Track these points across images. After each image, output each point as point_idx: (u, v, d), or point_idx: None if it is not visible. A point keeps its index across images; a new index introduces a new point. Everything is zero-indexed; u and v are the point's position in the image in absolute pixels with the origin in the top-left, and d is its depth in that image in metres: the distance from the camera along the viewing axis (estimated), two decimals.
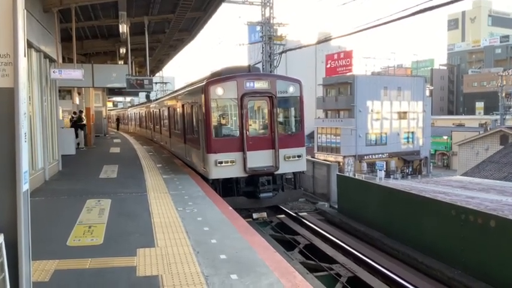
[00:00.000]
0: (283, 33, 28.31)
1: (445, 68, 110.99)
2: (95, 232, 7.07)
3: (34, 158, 11.44)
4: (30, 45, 10.94)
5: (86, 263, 5.66)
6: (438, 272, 9.11)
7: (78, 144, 21.26)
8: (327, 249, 10.76)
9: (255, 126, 12.69)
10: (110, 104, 51.56)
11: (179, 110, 16.63)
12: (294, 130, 13.08)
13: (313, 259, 10.16)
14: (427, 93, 59.67)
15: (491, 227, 8.23)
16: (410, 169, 54.06)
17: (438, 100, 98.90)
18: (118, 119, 51.54)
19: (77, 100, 24.91)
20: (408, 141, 55.03)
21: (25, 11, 3.31)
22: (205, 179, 12.24)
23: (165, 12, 16.26)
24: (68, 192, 10.74)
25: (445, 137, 60.90)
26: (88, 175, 13.59)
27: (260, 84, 12.28)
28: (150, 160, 17.22)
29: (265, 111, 12.53)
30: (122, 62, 21.84)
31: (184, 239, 6.61)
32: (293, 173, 12.98)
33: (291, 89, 12.68)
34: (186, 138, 15.51)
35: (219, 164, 11.74)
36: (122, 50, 20.26)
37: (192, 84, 15.81)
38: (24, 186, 3.31)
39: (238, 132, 12.08)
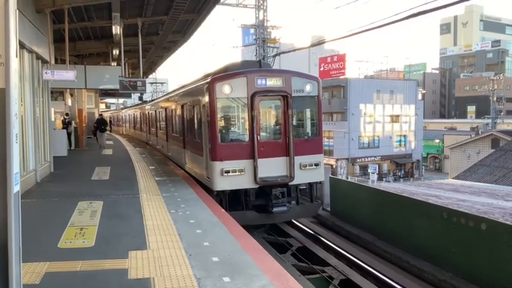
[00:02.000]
0: (276, 36, 28.37)
1: (437, 72, 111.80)
2: (87, 234, 7.03)
3: (25, 160, 11.35)
4: (22, 45, 10.87)
5: (77, 265, 5.62)
6: (429, 274, 9.15)
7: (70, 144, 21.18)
8: (319, 251, 10.78)
9: (266, 130, 11.21)
10: (102, 106, 51.35)
11: (178, 111, 15.34)
12: (310, 135, 11.47)
13: (305, 261, 10.17)
14: (419, 96, 60.03)
15: (482, 229, 8.28)
16: (403, 172, 54.33)
17: (430, 104, 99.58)
18: (110, 122, 51.01)
19: (69, 101, 24.77)
20: (400, 145, 55.33)
21: (17, 11, 3.29)
22: (208, 189, 10.91)
23: (159, 14, 16.24)
24: (59, 194, 10.68)
25: (437, 141, 61.30)
26: (80, 177, 13.52)
27: (273, 82, 10.76)
28: (142, 162, 17.16)
29: (279, 112, 11.03)
30: (115, 64, 21.76)
31: (176, 241, 6.59)
32: (309, 183, 11.42)
33: (308, 88, 11.10)
34: (185, 142, 14.11)
35: (225, 174, 10.22)
36: (115, 52, 20.19)
37: (193, 82, 14.16)
38: (15, 187, 3.28)
39: (247, 136, 10.60)
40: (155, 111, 22.15)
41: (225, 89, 10.38)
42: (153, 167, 15.49)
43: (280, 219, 11.41)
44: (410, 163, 55.27)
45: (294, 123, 10.96)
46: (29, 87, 12.10)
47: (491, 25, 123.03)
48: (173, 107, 16.39)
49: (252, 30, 29.93)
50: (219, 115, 10.57)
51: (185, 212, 8.52)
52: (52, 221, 8.12)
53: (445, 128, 71.82)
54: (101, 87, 21.90)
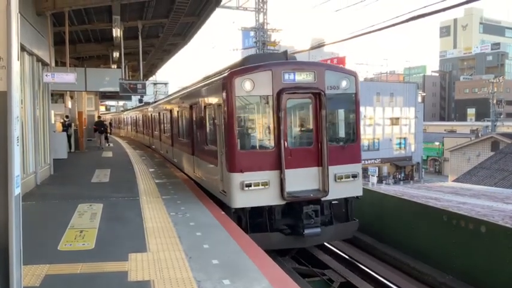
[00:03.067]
0: (276, 39, 28.46)
1: (437, 74, 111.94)
2: (87, 237, 7.03)
3: (25, 162, 11.36)
4: (23, 48, 10.90)
5: (77, 267, 5.62)
6: (430, 277, 9.15)
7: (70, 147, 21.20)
8: (319, 254, 10.77)
9: (295, 135, 9.61)
10: (102, 108, 51.34)
11: (185, 112, 13.63)
12: (347, 140, 9.78)
13: (305, 264, 10.15)
14: (419, 99, 60.17)
15: (482, 232, 8.29)
16: (403, 175, 54.36)
17: (430, 106, 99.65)
18: (110, 124, 50.63)
19: (69, 104, 24.79)
20: (400, 147, 55.38)
21: (19, 14, 3.30)
22: (223, 205, 9.26)
23: (159, 17, 16.28)
24: (59, 197, 10.68)
25: (437, 143, 61.30)
26: (80, 179, 13.51)
27: (303, 77, 9.06)
28: (142, 164, 17.16)
29: (309, 113, 9.42)
30: (115, 66, 21.80)
31: (176, 244, 6.59)
32: (344, 198, 9.54)
33: (344, 84, 9.38)
34: (195, 148, 12.33)
35: (246, 188, 8.54)
36: (115, 54, 20.23)
37: (204, 79, 12.28)
38: (16, 190, 3.29)
39: (272, 142, 8.88)
40: (159, 113, 20.61)
41: (245, 85, 8.68)
42: (153, 170, 15.49)
43: (312, 242, 9.49)
44: (410, 166, 55.31)
45: (328, 126, 9.20)
46: (29, 90, 12.12)
47: (491, 28, 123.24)
48: (180, 108, 14.76)
49: (252, 33, 29.99)
50: (238, 117, 8.86)
51: (185, 214, 8.52)
52: (52, 224, 8.12)
53: (445, 130, 71.84)
54: (101, 89, 21.94)
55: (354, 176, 9.35)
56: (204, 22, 17.08)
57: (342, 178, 9.19)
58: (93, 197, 10.31)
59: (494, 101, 51.28)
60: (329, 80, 9.22)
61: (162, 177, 13.55)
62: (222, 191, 9.40)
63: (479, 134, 48.89)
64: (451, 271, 8.92)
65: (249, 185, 8.58)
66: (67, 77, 13.38)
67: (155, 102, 26.54)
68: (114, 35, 16.25)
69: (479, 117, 78.29)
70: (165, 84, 55.77)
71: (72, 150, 21.81)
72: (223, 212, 8.74)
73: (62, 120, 22.73)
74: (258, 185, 8.62)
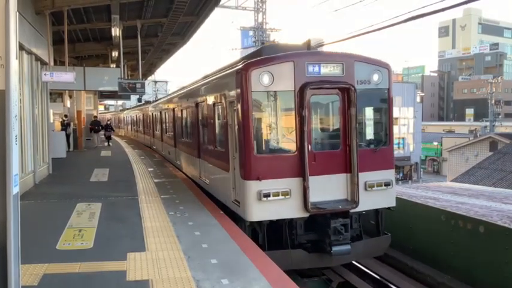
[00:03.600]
0: (275, 39, 28.47)
1: (436, 74, 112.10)
2: (85, 236, 7.02)
3: (24, 161, 11.34)
4: (21, 47, 10.88)
5: (76, 267, 5.61)
6: (428, 277, 9.16)
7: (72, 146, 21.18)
8: None
9: (320, 137, 8.43)
10: (101, 108, 51.30)
11: (190, 111, 12.55)
12: (379, 143, 8.61)
13: None
14: (418, 99, 60.21)
15: (480, 232, 8.30)
16: (401, 174, 54.33)
17: (429, 106, 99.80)
18: (108, 124, 49.92)
19: (68, 103, 24.78)
20: (399, 147, 55.35)
21: (17, 13, 3.30)
22: (235, 217, 8.26)
23: (158, 16, 16.27)
24: (58, 196, 10.66)
25: (436, 143, 61.35)
26: (78, 178, 13.50)
27: (329, 69, 7.95)
28: (141, 164, 17.15)
29: (336, 112, 8.26)
30: (114, 65, 21.78)
31: (175, 243, 6.59)
32: (375, 210, 8.44)
33: (376, 77, 8.25)
34: (201, 150, 11.30)
35: (264, 198, 7.45)
36: (114, 53, 20.22)
37: (213, 74, 10.92)
38: (15, 189, 3.28)
39: (294, 145, 7.74)
40: (160, 111, 19.70)
41: (263, 78, 7.56)
42: (151, 169, 15.48)
43: (340, 261, 8.33)
44: (409, 166, 55.31)
45: (358, 126, 8.00)
46: (28, 89, 12.11)
47: (490, 28, 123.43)
48: (184, 106, 13.68)
49: (251, 33, 30.00)
50: (255, 116, 7.70)
51: (184, 214, 8.52)
52: (50, 223, 8.11)
53: (443, 130, 71.93)
54: (100, 89, 21.92)
55: (387, 184, 8.24)
56: (203, 22, 17.07)
57: (373, 186, 8.11)
58: (91, 196, 10.30)
59: (493, 101, 51.37)
60: (359, 73, 8.07)
61: (161, 177, 13.54)
62: (234, 201, 8.32)
63: (478, 134, 48.99)
64: (450, 271, 8.93)
65: (267, 195, 7.46)
66: (66, 76, 13.38)
67: (156, 100, 25.63)
68: (113, 34, 16.24)
69: (477, 117, 78.45)
70: (166, 82, 55.55)
71: (71, 149, 21.80)
72: (222, 212, 8.71)
73: (60, 120, 22.71)
74: (278, 195, 7.51)
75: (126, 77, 21.56)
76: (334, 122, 8.51)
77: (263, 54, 8.30)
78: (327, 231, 7.59)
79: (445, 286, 8.74)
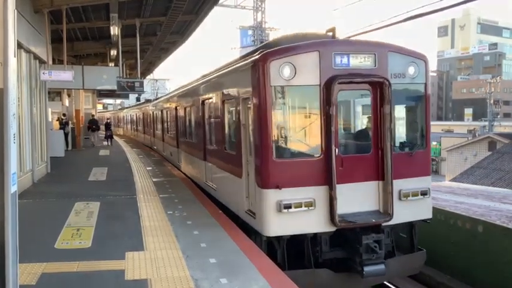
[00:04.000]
0: (275, 38, 28.46)
1: (435, 74, 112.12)
2: (84, 235, 7.01)
3: (22, 160, 11.32)
4: (20, 45, 10.85)
5: (74, 266, 5.60)
6: (427, 276, 9.16)
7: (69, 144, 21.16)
8: None
9: (348, 138, 7.50)
10: (100, 106, 51.23)
11: (195, 109, 11.63)
12: (414, 146, 7.55)
13: None
14: None
15: (479, 232, 8.31)
16: None
17: None
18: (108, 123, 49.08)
19: (66, 102, 24.75)
20: None
21: (16, 11, 3.28)
22: (247, 229, 7.32)
23: (157, 15, 16.26)
24: (56, 195, 10.64)
25: (434, 143, 61.32)
26: (77, 177, 13.48)
27: (360, 60, 6.93)
28: (140, 163, 17.13)
29: (366, 110, 7.31)
30: (113, 64, 21.76)
31: (173, 242, 6.58)
32: (410, 222, 7.34)
33: (411, 71, 7.22)
34: (207, 152, 10.39)
35: (285, 210, 6.44)
36: (113, 52, 20.19)
37: (222, 68, 9.73)
38: (13, 188, 3.27)
39: (319, 148, 6.74)
40: (161, 110, 18.78)
41: (284, 71, 6.56)
42: (150, 168, 15.47)
43: (372, 282, 7.45)
44: None
45: (392, 127, 6.96)
46: (26, 88, 12.08)
47: (489, 28, 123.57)
48: (188, 104, 12.76)
49: (250, 32, 29.99)
50: (273, 114, 6.69)
51: (182, 213, 8.50)
52: (49, 222, 8.09)
53: (442, 130, 71.92)
54: (98, 87, 21.90)
55: (424, 193, 7.19)
56: (202, 20, 17.08)
57: (408, 196, 7.06)
58: (90, 195, 10.28)
59: (492, 101, 51.43)
60: (393, 66, 7.07)
61: (160, 176, 13.53)
62: (248, 212, 7.33)
63: (477, 134, 49.04)
64: (449, 271, 8.93)
65: (288, 206, 6.46)
66: (64, 75, 13.36)
67: (157, 98, 24.93)
68: (111, 33, 16.21)
69: (476, 117, 78.53)
70: (166, 80, 55.28)
71: (69, 148, 21.78)
72: (220, 211, 8.68)
73: (57, 118, 22.70)
74: (300, 206, 6.53)
75: (124, 76, 21.54)
76: (363, 122, 7.60)
77: (281, 44, 7.14)
78: (357, 248, 6.60)
79: (444, 286, 8.74)
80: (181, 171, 14.15)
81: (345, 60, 6.84)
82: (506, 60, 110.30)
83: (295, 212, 6.52)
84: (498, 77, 61.45)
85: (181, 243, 6.51)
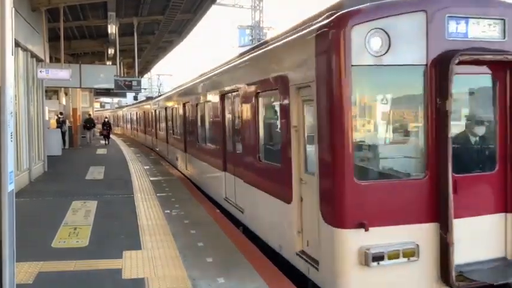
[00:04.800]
0: None
1: None
2: (81, 234, 7.00)
3: (19, 159, 11.30)
4: (17, 44, 10.82)
5: (71, 265, 5.59)
6: None
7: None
8: None
9: (461, 149, 4.99)
10: (97, 105, 51.12)
11: (210, 106, 9.70)
12: None
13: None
14: None
15: None
16: None
17: None
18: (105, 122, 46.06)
19: (63, 100, 24.70)
20: None
21: (13, 9, 3.27)
22: (294, 276, 5.27)
23: (155, 14, 16.25)
24: (53, 194, 10.62)
25: None
26: (74, 176, 13.46)
27: (483, 29, 4.64)
28: (137, 162, 17.12)
29: (488, 105, 5.02)
30: (110, 63, 21.73)
31: (171, 241, 6.57)
32: None
33: None
34: (228, 161, 8.31)
35: (374, 263, 4.24)
36: (111, 51, 20.15)
37: (257, 48, 7.28)
38: (10, 186, 3.26)
39: (424, 164, 4.59)
40: (165, 108, 17.00)
41: (372, 42, 4.33)
42: (147, 167, 15.45)
43: None
44: None
45: None
46: (23, 86, 12.06)
47: None
48: (199, 100, 10.78)
49: (247, 31, 30.00)
50: (355, 112, 4.55)
51: (179, 212, 8.50)
52: (46, 221, 8.07)
53: None
54: (95, 86, 21.87)
55: None
56: (200, 19, 17.08)
57: None
58: (87, 194, 10.27)
59: None
60: None
61: (157, 175, 13.52)
62: (302, 255, 5.09)
63: None
64: None
65: (379, 257, 4.24)
66: (61, 73, 13.33)
67: (160, 95, 22.95)
68: (109, 31, 16.18)
69: None
70: (170, 75, 54.84)
71: (66, 147, 21.74)
72: (218, 210, 8.66)
73: (56, 116, 22.65)
74: (397, 257, 4.30)
75: (122, 75, 21.51)
76: (483, 123, 5.06)
77: (351, 5, 4.56)
78: None
79: None
80: (188, 179, 12.57)
81: (462, 27, 4.54)
82: None
83: (389, 266, 4.28)
84: None
85: (179, 242, 6.50)
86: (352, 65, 4.26)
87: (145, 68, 34.50)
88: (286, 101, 5.46)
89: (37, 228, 7.51)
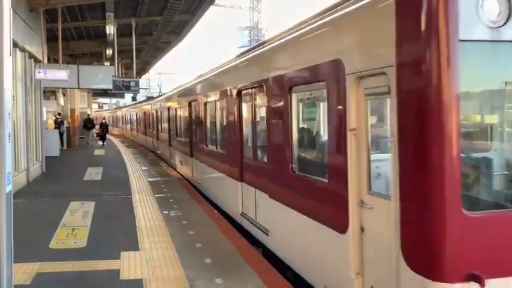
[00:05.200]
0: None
1: None
2: (78, 235, 6.99)
3: (17, 159, 11.28)
4: (15, 44, 10.81)
5: (69, 266, 5.58)
6: None
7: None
8: None
9: None
10: (95, 106, 51.06)
11: (223, 106, 8.49)
12: None
13: None
14: None
15: None
16: None
17: None
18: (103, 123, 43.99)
19: (61, 101, 24.67)
20: None
21: (11, 9, 3.27)
22: None
23: (153, 14, 16.25)
24: (51, 194, 10.60)
25: None
26: (72, 177, 13.44)
27: None
28: (135, 163, 17.10)
29: None
30: (108, 64, 21.72)
31: (169, 242, 6.57)
32: None
33: None
34: (245, 171, 7.23)
35: None
36: (109, 52, 20.16)
37: (291, 30, 5.58)
38: (8, 187, 3.26)
39: None
40: (168, 109, 16.03)
41: (487, 7, 2.97)
42: (145, 168, 15.44)
43: None
44: None
45: None
46: (21, 87, 12.04)
47: None
48: (209, 99, 9.79)
49: (246, 32, 30.03)
50: (462, 108, 3.03)
51: (177, 213, 8.49)
52: (43, 222, 8.06)
53: None
54: (93, 87, 21.84)
55: None
56: (198, 20, 17.09)
57: None
58: (85, 195, 10.25)
59: None
60: None
61: (155, 176, 13.51)
62: None
63: None
64: None
65: None
66: (59, 74, 13.32)
67: (162, 95, 22.01)
68: (107, 32, 16.18)
69: None
70: (172, 74, 54.33)
71: (64, 147, 21.72)
72: (216, 211, 8.67)
73: (54, 118, 22.63)
74: None
75: (120, 75, 21.50)
76: None
77: None
78: None
79: None
80: (194, 186, 11.46)
81: None
82: None
83: None
84: None
85: (177, 243, 6.50)
86: (460, 40, 2.94)
87: (143, 69, 34.48)
88: (338, 96, 4.08)
89: (35, 229, 7.49)
